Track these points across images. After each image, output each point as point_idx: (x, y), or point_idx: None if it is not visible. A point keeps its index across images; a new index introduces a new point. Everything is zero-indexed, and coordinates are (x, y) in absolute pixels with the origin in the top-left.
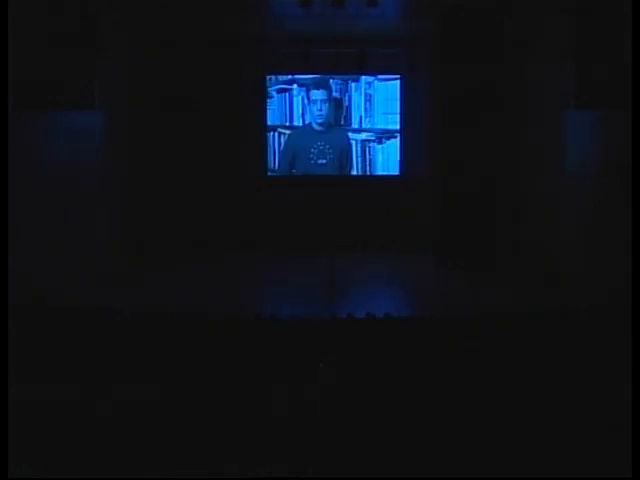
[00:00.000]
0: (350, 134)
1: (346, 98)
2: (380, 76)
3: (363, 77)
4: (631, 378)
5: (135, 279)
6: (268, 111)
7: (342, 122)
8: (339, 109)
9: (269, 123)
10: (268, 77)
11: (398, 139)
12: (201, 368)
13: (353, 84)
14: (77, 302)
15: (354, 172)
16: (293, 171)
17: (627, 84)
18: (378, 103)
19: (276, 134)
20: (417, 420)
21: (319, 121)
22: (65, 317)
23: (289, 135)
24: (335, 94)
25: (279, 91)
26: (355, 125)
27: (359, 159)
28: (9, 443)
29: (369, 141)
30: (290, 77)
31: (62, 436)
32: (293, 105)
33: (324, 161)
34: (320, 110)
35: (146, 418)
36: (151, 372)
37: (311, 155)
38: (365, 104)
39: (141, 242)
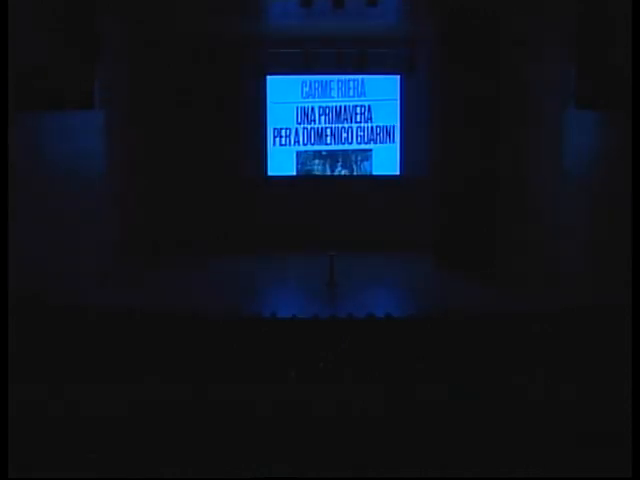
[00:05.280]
0: None
1: None
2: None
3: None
4: (631, 378)
5: (135, 279)
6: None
7: None
8: None
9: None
10: None
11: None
12: (201, 368)
13: None
14: (77, 302)
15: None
16: None
17: (627, 84)
18: None
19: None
20: (417, 419)
21: None
22: (65, 317)
23: None
24: None
25: None
26: None
27: None
28: (9, 443)
29: None
30: None
31: (62, 436)
32: None
33: None
34: None
35: (146, 418)
36: (151, 372)
37: None
38: None
39: (142, 242)
